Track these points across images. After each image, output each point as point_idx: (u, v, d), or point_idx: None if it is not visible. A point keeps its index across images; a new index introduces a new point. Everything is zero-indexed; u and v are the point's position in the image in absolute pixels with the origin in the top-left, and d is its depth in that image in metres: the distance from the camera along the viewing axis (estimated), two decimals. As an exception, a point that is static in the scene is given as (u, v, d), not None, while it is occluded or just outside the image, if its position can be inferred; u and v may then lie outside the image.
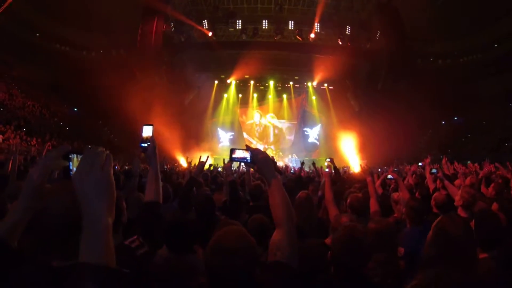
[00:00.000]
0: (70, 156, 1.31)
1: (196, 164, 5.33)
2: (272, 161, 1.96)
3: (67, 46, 30.11)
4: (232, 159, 2.02)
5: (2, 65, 26.49)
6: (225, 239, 1.60)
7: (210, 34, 23.94)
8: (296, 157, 28.01)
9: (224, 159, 5.76)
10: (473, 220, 2.79)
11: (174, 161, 21.01)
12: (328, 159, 7.70)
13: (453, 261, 1.87)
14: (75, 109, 30.53)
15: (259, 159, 1.92)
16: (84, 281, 0.95)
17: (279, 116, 31.76)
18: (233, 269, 1.51)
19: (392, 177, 5.81)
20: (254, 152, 1.94)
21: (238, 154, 1.99)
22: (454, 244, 1.90)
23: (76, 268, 0.98)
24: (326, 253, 2.30)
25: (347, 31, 24.25)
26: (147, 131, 2.09)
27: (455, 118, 30.52)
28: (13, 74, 27.92)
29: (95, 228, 1.03)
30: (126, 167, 14.02)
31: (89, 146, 1.19)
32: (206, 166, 7.91)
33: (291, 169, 13.39)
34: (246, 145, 2.03)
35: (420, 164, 15.32)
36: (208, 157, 5.91)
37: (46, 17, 28.00)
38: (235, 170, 8.69)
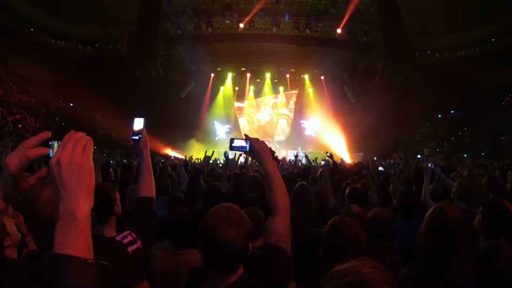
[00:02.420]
0: (50, 143, 1.25)
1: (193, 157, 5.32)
2: (269, 150, 2.03)
3: (62, 40, 29.88)
4: (232, 148, 2.09)
5: (-4, 59, 26.36)
6: (220, 210, 1.61)
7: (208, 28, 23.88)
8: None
9: (226, 153, 5.81)
10: (473, 211, 2.77)
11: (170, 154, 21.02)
12: (328, 154, 7.74)
13: (447, 249, 1.84)
14: (71, 104, 30.41)
15: (257, 148, 1.99)
16: (56, 273, 0.90)
17: (276, 108, 31.86)
18: (226, 237, 1.50)
19: (383, 170, 5.82)
20: (253, 141, 2.02)
21: (237, 143, 2.07)
22: (447, 232, 1.88)
23: (50, 259, 0.92)
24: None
25: (345, 24, 24.18)
26: (138, 124, 2.06)
27: (452, 111, 30.59)
28: (9, 69, 27.74)
29: (71, 216, 0.96)
30: (125, 161, 13.99)
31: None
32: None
33: (288, 162, 13.38)
34: (245, 135, 2.09)
35: (419, 156, 15.40)
36: (213, 152, 5.95)
37: (41, 11, 27.74)
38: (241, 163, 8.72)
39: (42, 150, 1.24)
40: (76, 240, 0.94)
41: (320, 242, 2.22)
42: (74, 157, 1.02)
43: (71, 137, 1.07)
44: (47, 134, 1.26)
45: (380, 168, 6.40)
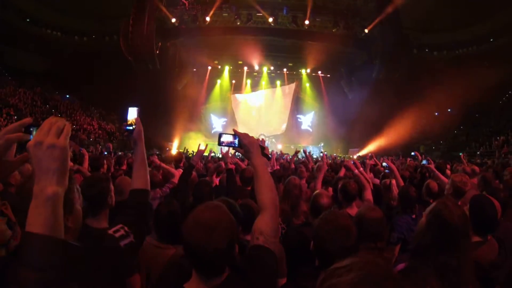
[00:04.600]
0: (31, 129, 1.27)
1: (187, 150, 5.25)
2: (259, 146, 1.94)
3: (58, 31, 29.70)
4: (220, 144, 2.02)
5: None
6: (202, 213, 1.52)
7: (208, 19, 23.72)
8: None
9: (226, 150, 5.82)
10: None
11: (165, 147, 21.00)
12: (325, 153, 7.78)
13: (448, 247, 1.83)
14: (67, 96, 30.27)
15: (246, 143, 1.91)
16: (26, 251, 0.94)
17: (272, 102, 31.83)
18: (210, 245, 1.44)
19: (387, 165, 5.82)
20: (241, 136, 1.94)
21: (226, 138, 2.02)
22: (449, 229, 1.85)
23: (22, 238, 0.98)
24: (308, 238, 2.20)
25: (343, 19, 24.12)
26: (132, 113, 2.04)
27: (449, 109, 30.59)
28: (4, 60, 27.56)
29: (43, 196, 1.00)
30: (120, 153, 13.92)
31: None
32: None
33: (283, 156, 13.37)
34: (234, 130, 2.03)
35: (412, 153, 15.45)
36: (207, 145, 5.96)
37: (36, 2, 27.57)
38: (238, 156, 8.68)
39: (22, 135, 1.28)
40: (46, 220, 0.97)
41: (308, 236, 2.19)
42: (50, 139, 1.05)
43: (50, 121, 1.11)
44: (28, 120, 1.29)
45: (384, 164, 6.43)
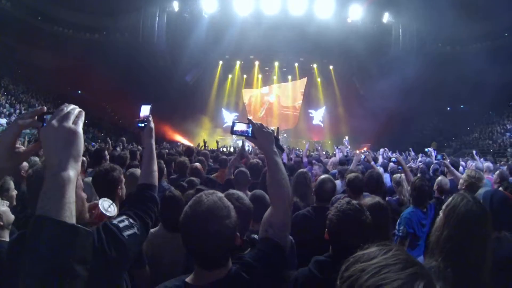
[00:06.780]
0: (45, 117, 1.27)
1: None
2: (273, 137, 1.88)
3: (70, 28, 29.92)
4: (233, 132, 1.96)
5: (4, 49, 26.44)
6: (199, 203, 1.46)
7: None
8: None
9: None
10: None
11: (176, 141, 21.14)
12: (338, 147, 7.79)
13: (467, 242, 1.78)
14: (79, 92, 30.52)
15: (261, 134, 1.85)
16: (36, 234, 0.92)
17: (284, 97, 31.74)
18: (206, 235, 1.39)
19: (396, 159, 5.78)
20: (256, 126, 1.87)
21: (240, 127, 1.94)
22: (467, 225, 1.81)
23: (31, 221, 0.94)
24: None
25: (355, 12, 24.01)
26: (144, 111, 2.05)
27: (462, 106, 30.22)
28: (16, 58, 27.87)
29: (55, 179, 0.98)
30: (130, 146, 14.00)
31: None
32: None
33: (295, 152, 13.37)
34: (248, 119, 1.95)
35: (426, 149, 15.34)
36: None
37: (48, 0, 27.81)
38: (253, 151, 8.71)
39: (34, 122, 1.28)
40: (56, 204, 0.95)
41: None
42: (63, 124, 1.06)
43: (63, 108, 1.12)
44: (42, 109, 1.30)
45: (393, 159, 6.41)
